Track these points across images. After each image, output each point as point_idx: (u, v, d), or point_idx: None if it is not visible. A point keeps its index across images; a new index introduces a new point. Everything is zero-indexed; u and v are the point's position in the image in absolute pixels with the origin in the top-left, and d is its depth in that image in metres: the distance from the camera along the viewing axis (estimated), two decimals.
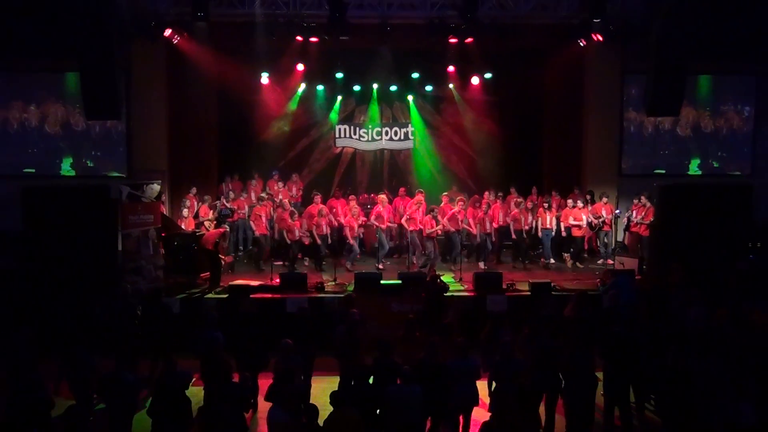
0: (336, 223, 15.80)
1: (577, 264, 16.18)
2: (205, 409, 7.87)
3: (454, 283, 13.85)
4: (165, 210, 15.45)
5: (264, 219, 15.43)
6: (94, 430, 7.67)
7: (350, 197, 16.52)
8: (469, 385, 8.57)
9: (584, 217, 15.97)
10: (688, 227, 13.53)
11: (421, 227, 15.26)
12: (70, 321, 11.43)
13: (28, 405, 7.28)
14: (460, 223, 15.38)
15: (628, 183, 17.61)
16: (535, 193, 17.13)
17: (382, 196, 16.12)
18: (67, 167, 17.49)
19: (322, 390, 9.22)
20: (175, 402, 7.73)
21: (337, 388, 8.26)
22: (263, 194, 16.46)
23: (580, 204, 16.16)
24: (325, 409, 7.25)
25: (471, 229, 15.65)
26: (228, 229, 15.45)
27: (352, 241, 15.56)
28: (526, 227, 15.88)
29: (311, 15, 15.37)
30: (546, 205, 16.13)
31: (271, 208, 15.83)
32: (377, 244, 15.80)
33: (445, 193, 16.42)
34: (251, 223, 15.62)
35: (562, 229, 16.18)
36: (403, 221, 15.87)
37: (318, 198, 15.92)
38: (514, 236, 16.09)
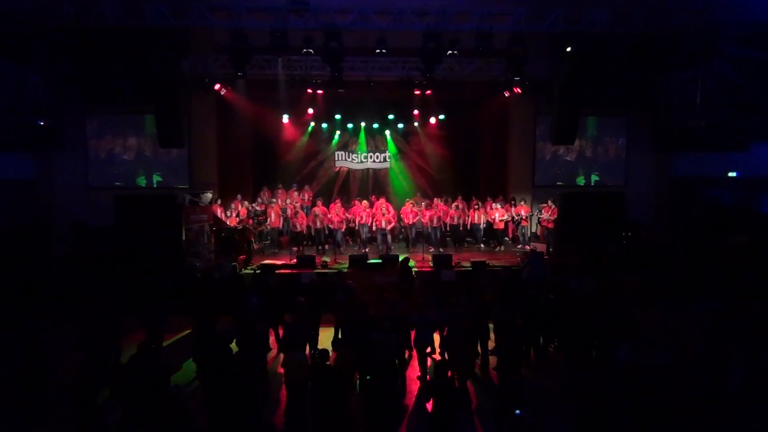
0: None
1: (501, 248, 16.05)
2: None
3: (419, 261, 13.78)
4: (220, 212, 15.24)
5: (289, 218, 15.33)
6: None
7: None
8: (426, 331, 8.56)
9: (505, 214, 16.01)
10: (580, 222, 13.63)
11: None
12: (147, 288, 11.27)
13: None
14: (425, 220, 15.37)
15: (538, 191, 17.54)
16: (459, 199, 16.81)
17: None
18: (144, 181, 17.14)
19: (327, 337, 9.19)
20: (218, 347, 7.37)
21: (338, 337, 8.20)
22: (287, 201, 16.37)
23: (499, 206, 16.16)
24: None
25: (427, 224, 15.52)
26: (253, 223, 15.28)
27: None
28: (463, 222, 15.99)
29: (318, 74, 15.29)
30: (476, 206, 16.07)
31: (294, 211, 15.67)
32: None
33: (408, 200, 16.36)
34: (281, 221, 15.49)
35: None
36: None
37: (335, 202, 15.98)
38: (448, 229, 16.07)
